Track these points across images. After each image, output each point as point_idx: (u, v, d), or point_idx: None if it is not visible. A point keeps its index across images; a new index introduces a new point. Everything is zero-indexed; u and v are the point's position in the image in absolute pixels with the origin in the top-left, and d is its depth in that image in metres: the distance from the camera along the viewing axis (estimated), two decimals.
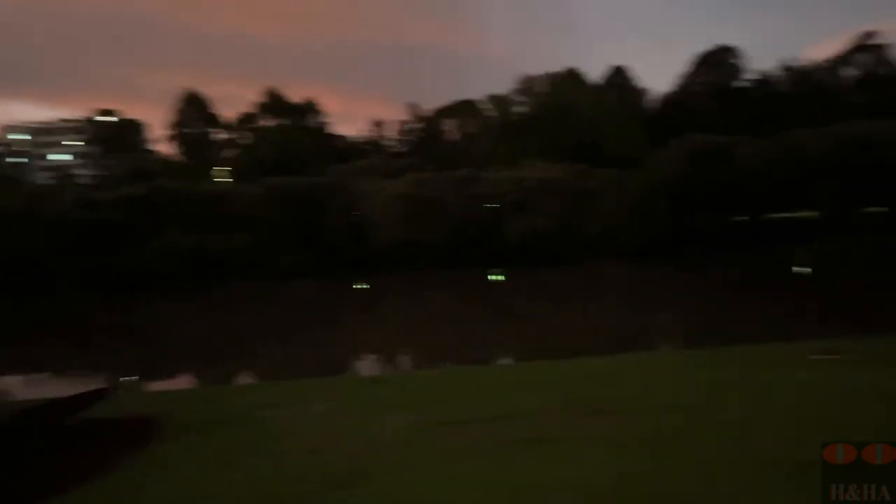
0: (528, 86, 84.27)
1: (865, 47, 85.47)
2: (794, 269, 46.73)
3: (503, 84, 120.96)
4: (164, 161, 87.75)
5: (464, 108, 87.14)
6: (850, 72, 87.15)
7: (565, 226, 59.30)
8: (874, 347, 14.39)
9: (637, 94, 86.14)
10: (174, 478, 7.78)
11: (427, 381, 15.68)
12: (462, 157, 72.08)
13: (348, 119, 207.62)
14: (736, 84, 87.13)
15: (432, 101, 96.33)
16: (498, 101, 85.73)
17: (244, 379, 21.57)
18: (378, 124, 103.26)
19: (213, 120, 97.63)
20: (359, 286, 47.67)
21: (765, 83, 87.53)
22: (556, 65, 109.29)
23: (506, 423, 8.92)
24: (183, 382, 21.94)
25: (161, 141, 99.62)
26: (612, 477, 6.52)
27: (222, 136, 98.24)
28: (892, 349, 14.17)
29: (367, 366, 23.54)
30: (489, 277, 50.02)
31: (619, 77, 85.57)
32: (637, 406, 9.51)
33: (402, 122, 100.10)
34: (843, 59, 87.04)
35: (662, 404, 9.47)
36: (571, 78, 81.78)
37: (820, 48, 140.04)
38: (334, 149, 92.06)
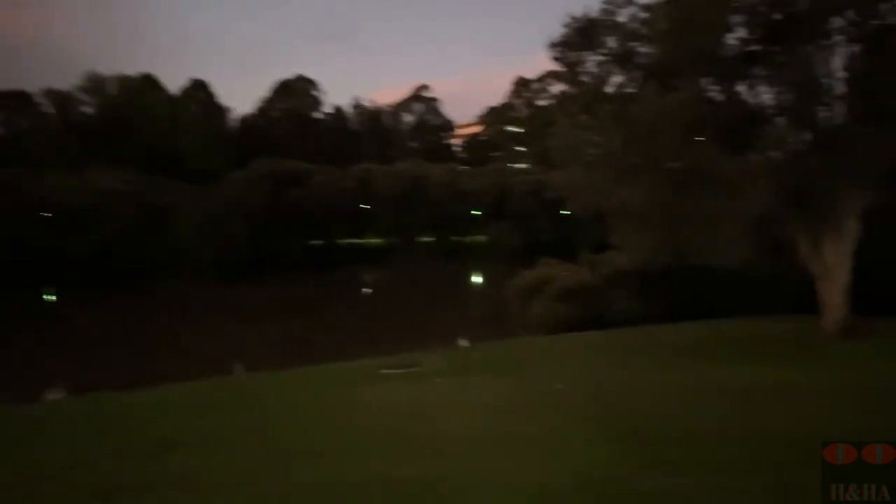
0: (97, 85, 75.66)
1: (420, 98, 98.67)
2: (364, 289, 51.31)
3: (67, 80, 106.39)
4: None
5: (13, 101, 73.87)
6: (408, 118, 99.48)
7: (137, 242, 54.30)
8: (439, 361, 15.93)
9: (218, 111, 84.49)
10: None
11: None
12: (12, 157, 60.70)
13: None
14: (313, 114, 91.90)
15: None
16: (59, 97, 74.94)
17: None
18: None
19: None
20: None
21: (338, 117, 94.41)
22: (132, 68, 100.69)
23: None
24: None
25: None
26: None
27: None
28: (456, 362, 15.87)
29: None
30: (45, 298, 42.82)
31: (199, 91, 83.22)
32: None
33: None
34: (403, 106, 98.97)
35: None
36: (147, 84, 76.25)
37: (385, 93, 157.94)
38: None
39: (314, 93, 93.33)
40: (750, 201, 15.12)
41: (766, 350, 15.00)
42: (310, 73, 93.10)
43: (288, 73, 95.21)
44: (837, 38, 15.84)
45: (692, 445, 6.66)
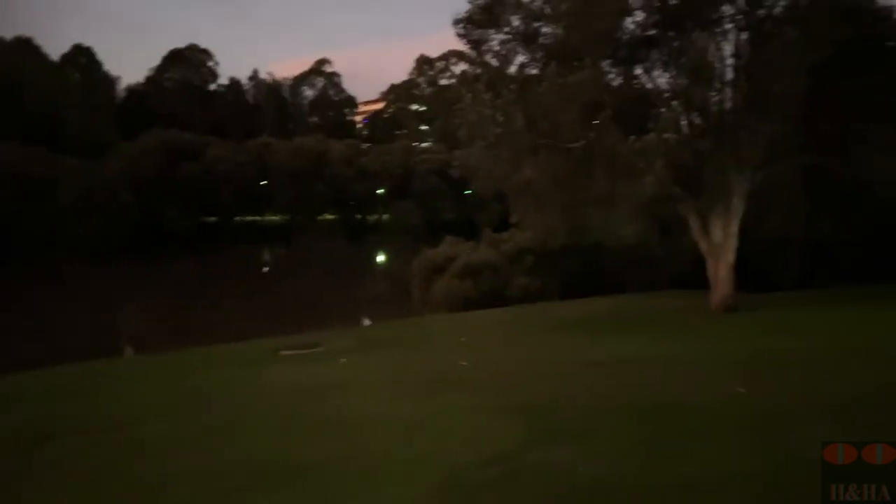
0: None
1: (321, 72, 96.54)
2: (263, 268, 49.80)
3: None
4: None
5: None
6: (308, 92, 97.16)
7: (14, 216, 50.38)
8: (340, 341, 15.66)
9: (105, 80, 79.47)
10: None
11: None
12: None
13: None
14: (208, 86, 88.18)
15: None
16: None
17: None
18: None
19: None
20: None
21: (235, 90, 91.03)
22: (7, 30, 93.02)
23: None
24: None
25: None
26: None
27: None
28: (359, 341, 15.64)
29: None
30: None
31: (83, 58, 77.65)
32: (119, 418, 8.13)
33: None
34: (303, 80, 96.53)
35: (143, 416, 8.27)
36: (24, 48, 70.47)
37: (285, 66, 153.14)
38: None
39: (210, 64, 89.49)
40: (645, 181, 15.66)
41: (654, 324, 15.64)
42: (205, 44, 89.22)
43: (182, 42, 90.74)
44: (727, 25, 16.56)
45: (581, 418, 6.86)
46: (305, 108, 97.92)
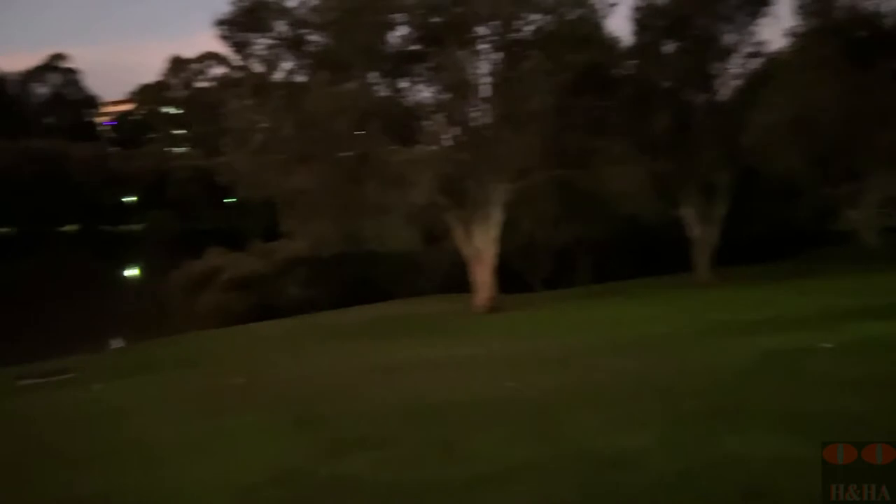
0: None
1: (56, 68, 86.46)
2: None
3: None
4: None
5: None
6: (41, 89, 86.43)
7: None
8: (93, 365, 14.17)
9: None
10: None
11: None
12: None
13: None
14: None
15: None
16: None
17: None
18: None
19: None
20: None
21: None
22: None
23: None
24: None
25: None
26: None
27: None
28: (115, 364, 14.25)
29: None
30: None
31: None
32: None
33: None
34: (34, 76, 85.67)
35: None
36: None
37: (10, 59, 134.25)
38: None
39: None
40: (414, 191, 16.27)
41: (425, 328, 16.25)
42: None
43: None
44: (483, 45, 17.81)
45: (369, 425, 6.92)
46: (38, 108, 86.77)
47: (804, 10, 18.16)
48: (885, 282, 14.66)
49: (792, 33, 18.95)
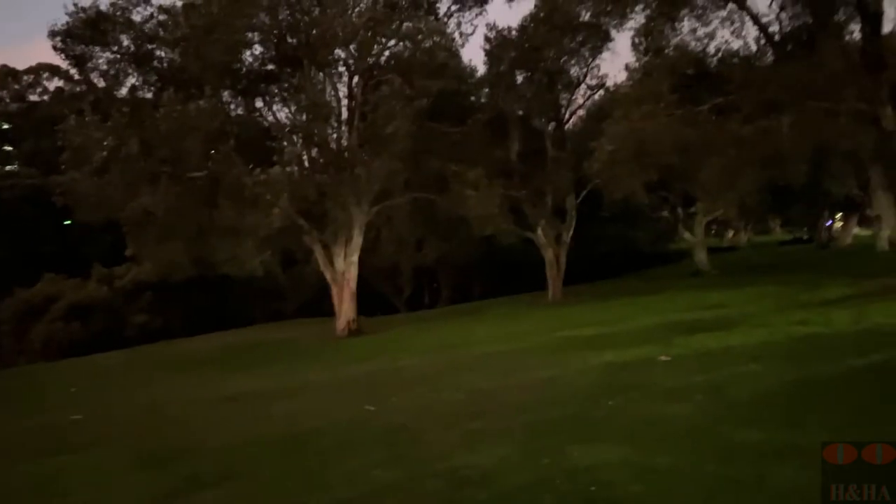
0: None
1: None
2: None
3: None
4: None
5: None
6: None
7: None
8: None
9: None
10: None
11: None
12: None
13: None
14: None
15: None
16: None
17: None
18: None
19: None
20: None
21: None
22: None
23: None
24: None
25: None
26: None
27: None
28: None
29: None
30: None
31: None
32: None
33: None
34: None
35: None
36: None
37: None
38: None
39: None
40: (270, 213, 15.87)
41: (283, 354, 15.78)
42: None
43: None
44: (341, 68, 17.83)
45: (220, 459, 6.62)
46: None
47: (640, 48, 19.76)
48: (715, 298, 16.03)
49: (630, 69, 20.58)
